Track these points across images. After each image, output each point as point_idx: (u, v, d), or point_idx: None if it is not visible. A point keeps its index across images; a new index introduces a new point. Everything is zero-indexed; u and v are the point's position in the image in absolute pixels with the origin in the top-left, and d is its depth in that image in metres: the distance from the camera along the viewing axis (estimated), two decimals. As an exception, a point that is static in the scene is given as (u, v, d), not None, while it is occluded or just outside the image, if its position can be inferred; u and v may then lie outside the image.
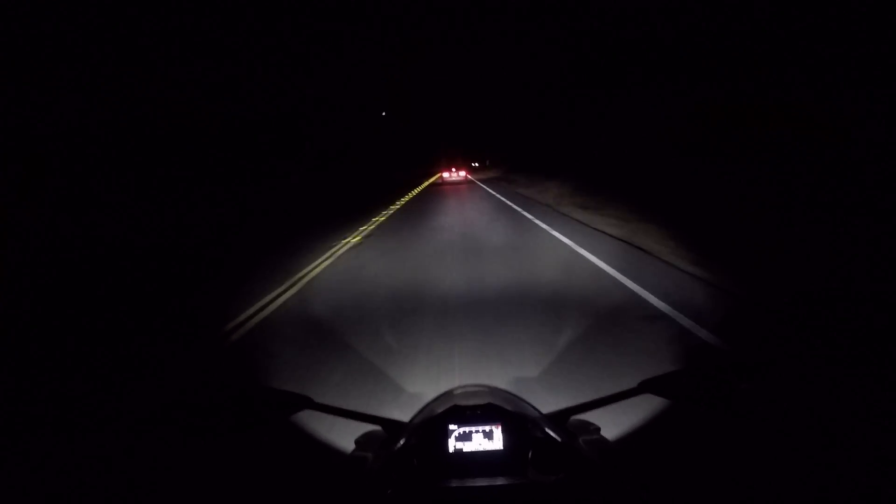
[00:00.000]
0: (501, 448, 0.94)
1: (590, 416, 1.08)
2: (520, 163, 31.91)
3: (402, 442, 0.96)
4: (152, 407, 0.93)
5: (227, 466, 1.82)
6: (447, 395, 1.16)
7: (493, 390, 1.12)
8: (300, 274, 5.87)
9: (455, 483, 0.89)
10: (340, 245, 7.78)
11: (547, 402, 1.14)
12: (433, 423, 0.99)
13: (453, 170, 29.70)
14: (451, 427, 0.97)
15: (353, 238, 8.48)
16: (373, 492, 0.87)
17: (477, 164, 34.58)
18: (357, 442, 1.11)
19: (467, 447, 0.96)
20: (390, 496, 0.85)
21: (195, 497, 1.66)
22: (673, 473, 1.84)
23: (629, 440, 2.01)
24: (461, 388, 1.18)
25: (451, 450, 0.96)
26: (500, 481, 0.88)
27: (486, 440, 0.96)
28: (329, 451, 1.89)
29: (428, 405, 1.12)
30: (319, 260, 6.65)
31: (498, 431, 0.95)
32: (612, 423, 2.18)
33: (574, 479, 0.84)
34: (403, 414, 1.16)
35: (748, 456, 1.89)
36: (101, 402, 2.57)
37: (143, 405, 0.90)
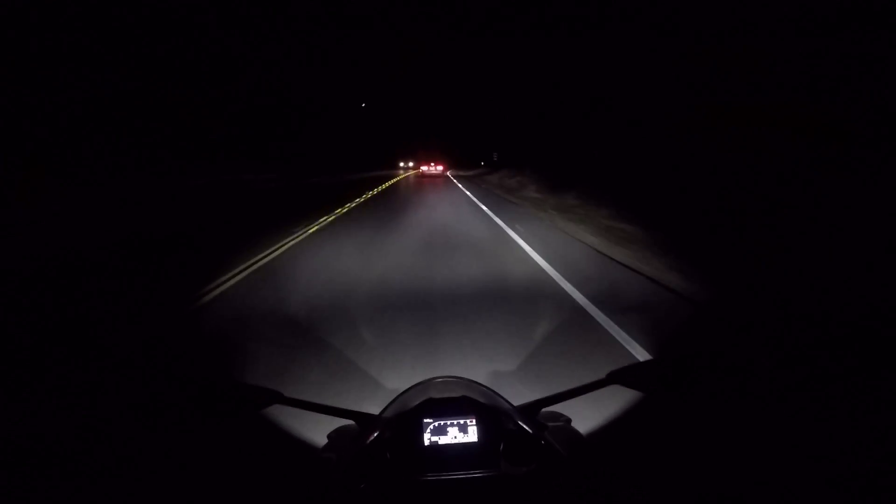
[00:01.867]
0: (476, 441, 0.95)
1: (560, 408, 1.10)
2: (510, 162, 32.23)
3: (374, 436, 0.95)
4: (111, 398, 0.89)
5: (194, 463, 1.76)
6: (420, 387, 1.16)
7: (467, 383, 1.12)
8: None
9: (431, 476, 0.89)
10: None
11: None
12: (407, 416, 0.98)
13: (432, 164, 30.43)
14: (426, 420, 0.97)
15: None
16: (345, 487, 0.85)
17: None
18: (329, 437, 1.10)
19: (442, 440, 0.96)
20: (363, 490, 0.84)
21: (159, 495, 1.59)
22: (642, 463, 1.90)
23: (599, 431, 2.05)
24: (434, 381, 1.18)
25: (426, 443, 0.96)
26: (475, 474, 0.88)
27: (460, 433, 0.96)
28: (301, 447, 1.86)
29: (400, 397, 1.12)
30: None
31: (473, 424, 0.96)
32: (582, 415, 2.23)
33: (545, 470, 0.85)
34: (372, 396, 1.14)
35: (717, 446, 1.96)
36: (59, 385, 2.42)
37: (101, 395, 0.84)
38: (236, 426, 1.37)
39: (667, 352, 3.01)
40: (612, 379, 0.95)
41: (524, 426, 0.95)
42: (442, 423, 0.97)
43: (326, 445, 1.07)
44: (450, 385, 1.11)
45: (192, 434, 0.89)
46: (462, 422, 0.96)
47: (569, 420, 1.11)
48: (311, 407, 0.99)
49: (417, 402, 0.99)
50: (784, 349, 1.04)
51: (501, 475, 0.87)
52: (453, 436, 0.96)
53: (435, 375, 1.22)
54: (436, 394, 1.02)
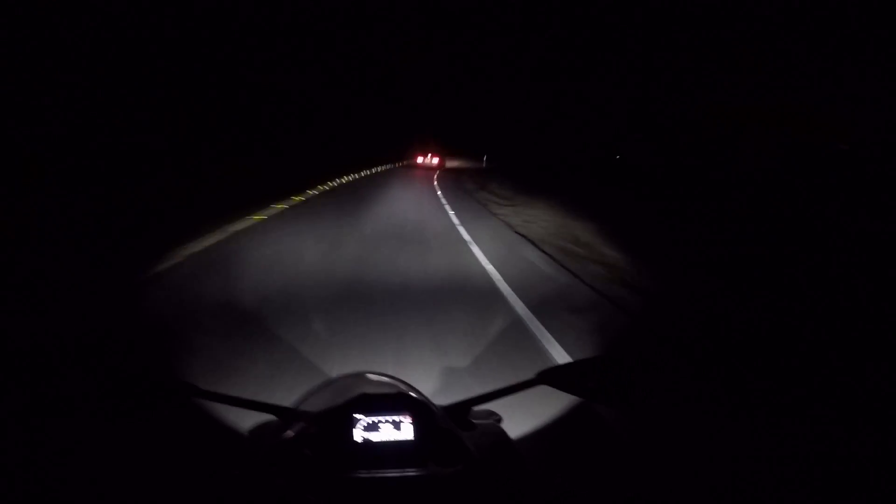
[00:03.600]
0: (412, 439, 0.92)
1: (492, 407, 1.09)
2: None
3: (299, 431, 0.90)
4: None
5: (100, 460, 1.60)
6: (345, 382, 1.11)
7: (391, 379, 1.09)
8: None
9: (362, 474, 0.85)
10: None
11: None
12: (337, 411, 0.94)
13: (429, 156, 29.91)
14: (357, 416, 0.93)
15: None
16: (262, 484, 0.79)
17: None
18: (250, 433, 1.02)
19: (375, 437, 0.92)
20: (281, 488, 0.78)
21: (61, 496, 1.42)
22: (570, 466, 1.95)
23: (531, 431, 2.09)
24: (363, 376, 1.14)
25: (357, 440, 0.92)
26: (409, 472, 0.85)
27: (394, 430, 0.92)
28: (219, 444, 1.74)
29: (319, 392, 1.08)
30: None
31: (408, 422, 0.93)
32: (512, 415, 2.27)
33: (471, 471, 0.83)
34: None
35: (642, 449, 2.03)
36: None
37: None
38: (146, 422, 1.25)
39: (597, 355, 3.14)
40: (542, 379, 0.95)
41: (454, 425, 0.93)
42: (375, 419, 0.93)
43: (246, 441, 1.00)
44: (376, 382, 1.08)
45: (96, 430, 0.80)
46: (396, 419, 0.93)
47: (499, 419, 1.10)
48: (229, 400, 0.92)
49: (349, 397, 0.95)
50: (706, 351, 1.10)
51: (429, 475, 0.85)
52: (386, 433, 0.92)
53: (358, 370, 1.18)
54: (368, 389, 0.98)
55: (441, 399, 1.06)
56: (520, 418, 2.18)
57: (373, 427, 0.92)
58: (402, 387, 1.04)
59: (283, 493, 0.78)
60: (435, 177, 22.06)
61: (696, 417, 2.01)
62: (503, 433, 1.03)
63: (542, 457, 1.97)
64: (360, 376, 1.12)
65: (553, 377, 0.95)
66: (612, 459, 1.95)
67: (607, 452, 2.02)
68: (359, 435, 0.92)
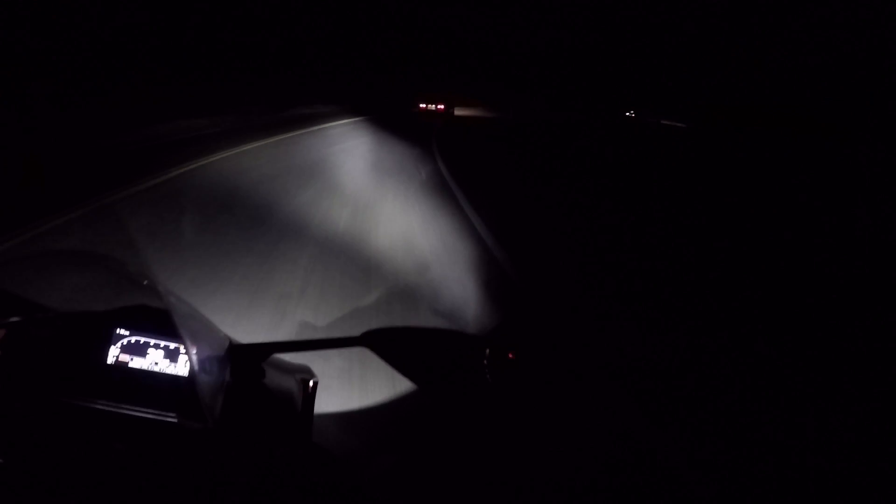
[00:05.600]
0: (184, 376, 0.73)
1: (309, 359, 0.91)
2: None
3: (30, 333, 0.66)
4: None
5: None
6: (95, 270, 0.76)
7: (177, 298, 0.70)
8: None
9: (102, 405, 0.64)
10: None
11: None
12: (94, 318, 0.71)
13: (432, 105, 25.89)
14: (121, 332, 0.71)
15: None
16: None
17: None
18: None
19: (135, 363, 0.71)
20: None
21: None
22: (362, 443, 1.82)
23: (349, 404, 1.95)
24: (137, 281, 0.74)
25: (108, 360, 0.70)
26: (169, 417, 0.66)
27: (166, 361, 0.73)
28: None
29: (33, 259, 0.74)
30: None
31: (186, 353, 0.73)
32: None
33: (211, 427, 0.65)
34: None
35: (480, 441, 1.93)
36: None
37: None
38: None
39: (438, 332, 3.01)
40: (365, 340, 0.77)
41: (245, 370, 0.74)
42: (144, 340, 0.72)
43: None
44: (151, 291, 0.71)
45: None
46: (173, 347, 0.73)
47: (310, 379, 0.88)
48: None
49: (118, 305, 0.72)
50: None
51: (183, 424, 0.66)
52: (154, 361, 0.72)
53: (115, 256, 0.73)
54: (148, 300, 0.75)
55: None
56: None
57: (136, 349, 0.71)
58: (189, 308, 0.73)
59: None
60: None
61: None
62: (303, 396, 0.83)
63: (351, 433, 1.84)
64: (121, 269, 0.72)
65: (377, 341, 0.77)
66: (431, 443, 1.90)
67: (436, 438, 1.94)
68: (113, 355, 0.71)
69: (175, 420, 0.65)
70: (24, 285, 0.72)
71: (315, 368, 0.93)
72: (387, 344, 0.76)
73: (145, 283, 0.64)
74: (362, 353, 0.78)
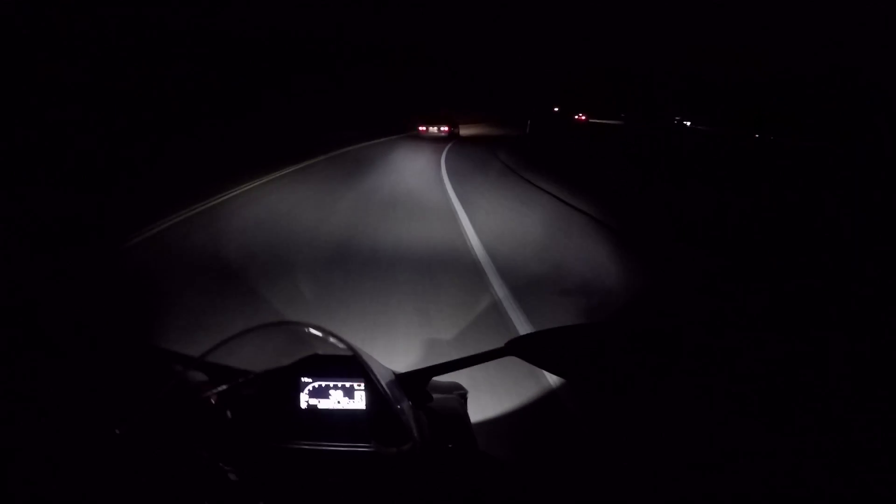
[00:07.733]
0: (363, 409, 0.81)
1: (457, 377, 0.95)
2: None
3: (220, 389, 0.76)
4: None
5: None
6: (271, 334, 0.81)
7: (337, 339, 0.76)
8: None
9: (306, 445, 0.74)
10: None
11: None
12: (285, 372, 0.82)
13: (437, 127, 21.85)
14: (305, 379, 0.81)
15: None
16: (179, 454, 0.67)
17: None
18: (159, 390, 0.83)
19: (322, 404, 0.81)
20: (204, 459, 0.66)
21: None
22: (538, 454, 1.81)
23: (500, 409, 1.98)
24: (280, 325, 0.79)
25: (303, 405, 0.80)
26: (361, 447, 0.74)
27: (345, 398, 0.81)
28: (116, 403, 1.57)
29: (235, 342, 0.79)
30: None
31: (360, 389, 0.81)
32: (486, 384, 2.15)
33: (417, 452, 0.71)
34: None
35: (628, 442, 1.87)
36: None
37: None
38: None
39: (581, 319, 2.93)
40: (511, 349, 0.78)
41: (409, 398, 0.81)
42: (325, 383, 0.81)
43: (154, 400, 0.81)
44: (321, 340, 0.79)
45: None
46: (349, 385, 0.81)
47: (464, 393, 0.95)
48: (135, 350, 0.79)
49: (297, 357, 0.83)
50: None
51: (379, 452, 0.74)
52: (336, 400, 0.81)
53: (284, 319, 0.94)
54: (318, 348, 0.85)
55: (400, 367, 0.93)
56: (491, 392, 2.10)
57: (321, 392, 0.81)
58: (358, 349, 0.82)
59: (207, 465, 0.66)
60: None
61: (680, 412, 1.94)
62: (463, 410, 0.90)
63: (504, 439, 1.87)
64: (292, 329, 0.82)
65: (524, 348, 0.78)
66: (590, 453, 1.84)
67: (578, 439, 1.91)
68: (305, 400, 0.81)
69: (372, 449, 0.73)
70: (232, 357, 0.86)
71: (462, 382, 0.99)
72: (533, 349, 0.78)
73: (320, 334, 0.72)
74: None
